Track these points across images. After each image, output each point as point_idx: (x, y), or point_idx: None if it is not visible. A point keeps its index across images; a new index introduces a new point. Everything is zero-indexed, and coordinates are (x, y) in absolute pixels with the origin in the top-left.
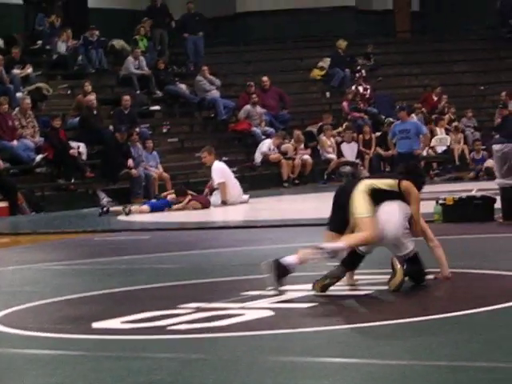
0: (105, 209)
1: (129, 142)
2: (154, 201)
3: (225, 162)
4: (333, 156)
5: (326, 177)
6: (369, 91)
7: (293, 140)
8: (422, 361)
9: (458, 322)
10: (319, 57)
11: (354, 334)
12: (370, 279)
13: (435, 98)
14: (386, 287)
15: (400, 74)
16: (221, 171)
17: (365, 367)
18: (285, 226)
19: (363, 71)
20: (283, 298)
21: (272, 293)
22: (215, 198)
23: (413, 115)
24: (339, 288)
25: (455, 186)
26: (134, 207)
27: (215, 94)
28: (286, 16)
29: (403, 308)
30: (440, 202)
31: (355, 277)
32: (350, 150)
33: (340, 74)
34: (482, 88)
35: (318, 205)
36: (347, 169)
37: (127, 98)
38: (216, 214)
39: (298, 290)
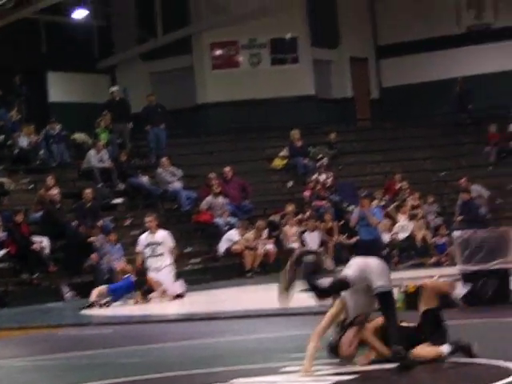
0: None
1: (91, 236)
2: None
3: (187, 253)
4: (296, 245)
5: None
6: (331, 179)
7: (254, 230)
8: None
9: None
10: (280, 146)
11: None
12: (330, 369)
13: (398, 185)
14: (350, 377)
15: (361, 162)
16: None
17: None
18: (247, 316)
19: (325, 159)
20: None
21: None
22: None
23: (374, 202)
24: (300, 379)
25: (417, 272)
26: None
27: (177, 185)
28: (246, 107)
29: None
30: (402, 289)
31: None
32: (312, 239)
33: (301, 162)
34: (443, 174)
35: None
36: (310, 257)
37: (89, 191)
38: (178, 306)
39: (263, 382)
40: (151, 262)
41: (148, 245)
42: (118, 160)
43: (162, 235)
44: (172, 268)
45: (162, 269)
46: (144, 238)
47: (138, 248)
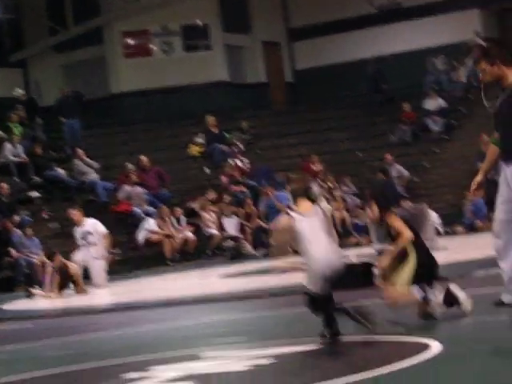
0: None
1: (8, 230)
2: None
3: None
4: (215, 231)
5: (209, 252)
6: (247, 164)
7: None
8: None
9: None
10: (195, 133)
11: None
12: (249, 353)
13: (313, 167)
14: (268, 361)
15: (277, 146)
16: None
17: None
18: (168, 305)
19: (240, 145)
20: (160, 378)
21: (153, 374)
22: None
23: (288, 186)
24: (219, 364)
25: None
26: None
27: (94, 176)
28: (160, 94)
29: (282, 381)
30: None
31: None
32: (231, 224)
33: (218, 148)
34: (360, 155)
35: (201, 281)
36: (230, 243)
37: (4, 185)
38: (99, 297)
39: (176, 370)
40: (84, 252)
41: (81, 236)
42: (33, 153)
43: (91, 224)
44: (103, 260)
45: (93, 258)
46: (77, 230)
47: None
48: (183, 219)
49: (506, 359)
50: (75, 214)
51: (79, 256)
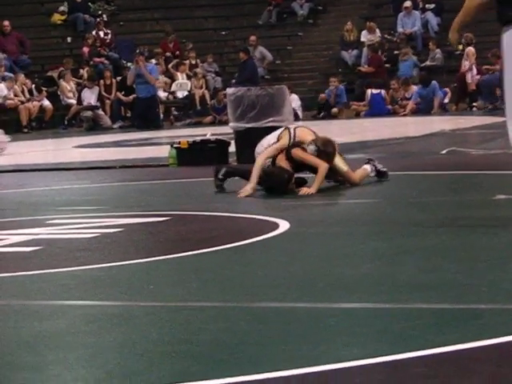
0: None
1: None
2: None
3: None
4: (73, 101)
5: (66, 122)
6: (110, 36)
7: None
8: (140, 302)
9: (179, 263)
10: (59, 1)
11: (75, 277)
12: (97, 222)
13: (177, 43)
14: (115, 230)
15: (142, 19)
16: None
17: (83, 309)
18: (19, 170)
19: (104, 16)
20: (5, 242)
21: None
22: None
23: (152, 60)
24: (66, 231)
25: (195, 130)
26: None
27: None
28: None
29: (127, 250)
30: (175, 145)
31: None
32: (90, 95)
33: (81, 18)
34: (224, 33)
35: (56, 150)
36: (88, 113)
37: None
38: None
39: (23, 234)
40: None
41: None
42: None
43: None
44: None
45: None
46: None
47: None
48: (40, 88)
49: (346, 239)
50: None
51: None
